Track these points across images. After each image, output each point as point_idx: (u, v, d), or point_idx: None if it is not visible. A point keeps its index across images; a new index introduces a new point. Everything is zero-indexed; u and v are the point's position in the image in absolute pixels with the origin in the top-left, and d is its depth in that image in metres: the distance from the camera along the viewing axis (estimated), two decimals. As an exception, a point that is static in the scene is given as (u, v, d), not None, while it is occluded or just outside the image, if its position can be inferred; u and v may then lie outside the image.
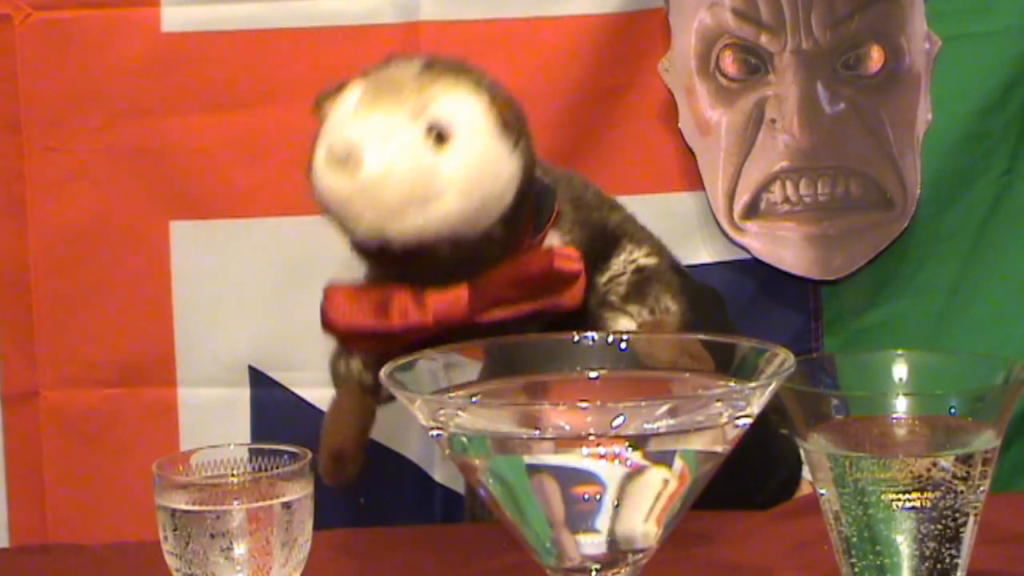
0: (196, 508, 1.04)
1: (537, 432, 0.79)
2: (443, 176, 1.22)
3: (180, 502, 1.05)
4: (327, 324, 1.29)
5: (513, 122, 1.25)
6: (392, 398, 1.33)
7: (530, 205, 1.27)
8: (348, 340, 1.31)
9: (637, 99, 1.70)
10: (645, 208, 1.59)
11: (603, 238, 1.32)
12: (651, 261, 1.32)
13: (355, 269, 1.30)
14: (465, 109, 1.24)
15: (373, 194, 1.21)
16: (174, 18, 1.67)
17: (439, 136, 1.22)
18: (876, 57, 1.70)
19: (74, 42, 1.68)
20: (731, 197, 1.70)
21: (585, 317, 1.27)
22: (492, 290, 1.24)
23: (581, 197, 1.33)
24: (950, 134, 1.70)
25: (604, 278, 1.31)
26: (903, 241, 1.71)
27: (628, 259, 1.32)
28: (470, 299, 1.24)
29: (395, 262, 1.24)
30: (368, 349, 1.30)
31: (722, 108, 1.70)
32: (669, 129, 1.70)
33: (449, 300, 1.24)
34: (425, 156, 1.22)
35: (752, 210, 1.70)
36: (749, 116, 1.69)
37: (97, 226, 1.69)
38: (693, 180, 1.70)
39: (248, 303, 1.69)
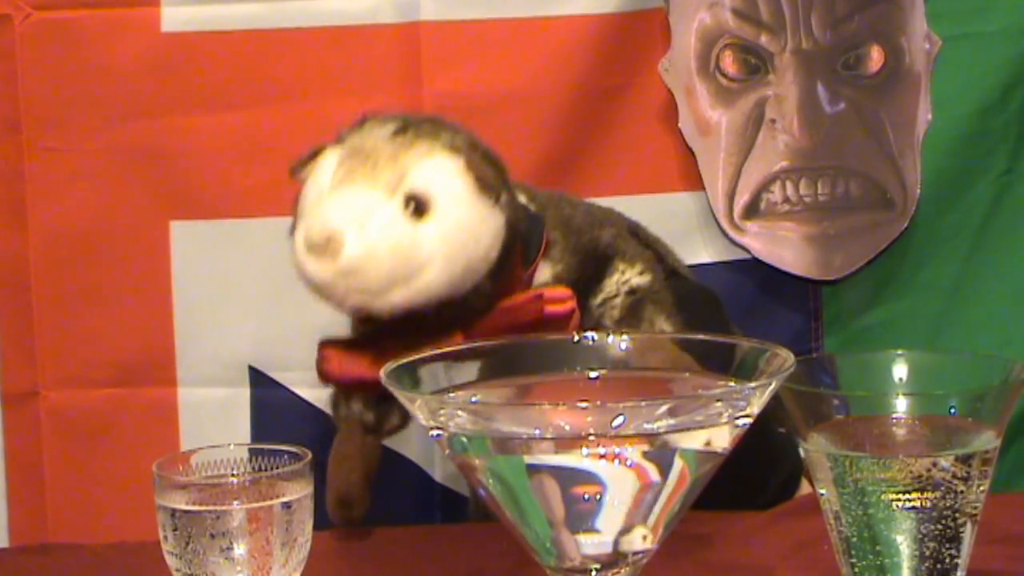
0: (196, 508, 1.04)
1: (537, 432, 0.79)
2: (425, 249, 1.21)
3: (180, 502, 1.05)
4: (324, 377, 1.30)
5: (492, 179, 1.24)
6: (395, 430, 1.35)
7: (518, 246, 1.27)
8: (346, 388, 1.32)
9: (637, 99, 1.69)
10: (645, 208, 1.59)
11: (595, 260, 1.32)
12: (644, 280, 1.32)
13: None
14: (442, 175, 1.23)
15: (356, 278, 1.21)
16: (174, 18, 1.67)
17: (418, 207, 1.22)
18: (876, 57, 1.70)
19: (74, 42, 1.68)
20: (731, 197, 1.70)
21: None
22: (486, 336, 1.24)
23: (570, 221, 1.33)
24: (950, 134, 1.70)
25: (598, 300, 1.31)
26: (903, 241, 1.71)
27: (621, 280, 1.32)
28: None
29: (385, 325, 1.24)
30: (367, 392, 1.31)
31: (722, 108, 1.70)
32: (669, 129, 1.70)
33: None
34: (405, 232, 1.21)
35: (752, 210, 1.70)
36: (749, 116, 1.69)
37: (97, 226, 1.69)
38: (693, 180, 1.70)
39: (248, 303, 1.69)
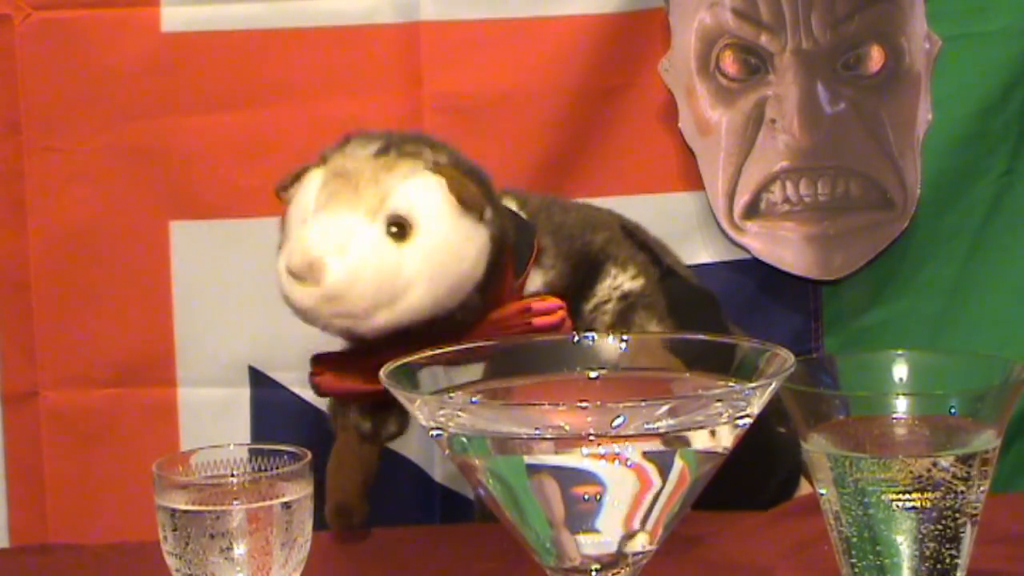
0: (196, 508, 1.04)
1: (537, 432, 0.79)
2: (408, 271, 1.21)
3: (180, 502, 1.05)
4: (318, 391, 1.30)
5: (475, 196, 1.23)
6: (392, 438, 1.35)
7: (509, 256, 1.27)
8: (342, 399, 1.32)
9: (637, 99, 1.69)
10: (645, 208, 1.59)
11: (586, 265, 1.32)
12: (636, 284, 1.32)
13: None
14: (423, 196, 1.22)
15: (339, 303, 1.21)
16: (174, 18, 1.67)
17: (400, 229, 1.21)
18: (876, 57, 1.70)
19: (74, 42, 1.67)
20: (731, 197, 1.69)
21: None
22: None
23: (561, 226, 1.33)
24: (950, 134, 1.70)
25: (590, 306, 1.31)
26: (903, 241, 1.71)
27: (613, 285, 1.32)
28: None
29: (373, 343, 1.24)
30: (363, 402, 1.31)
31: (722, 108, 1.70)
32: (669, 129, 1.70)
33: None
34: (387, 255, 1.21)
35: (752, 210, 1.70)
36: (749, 116, 1.69)
37: (97, 226, 1.69)
38: (693, 180, 1.70)
39: (248, 303, 1.69)
